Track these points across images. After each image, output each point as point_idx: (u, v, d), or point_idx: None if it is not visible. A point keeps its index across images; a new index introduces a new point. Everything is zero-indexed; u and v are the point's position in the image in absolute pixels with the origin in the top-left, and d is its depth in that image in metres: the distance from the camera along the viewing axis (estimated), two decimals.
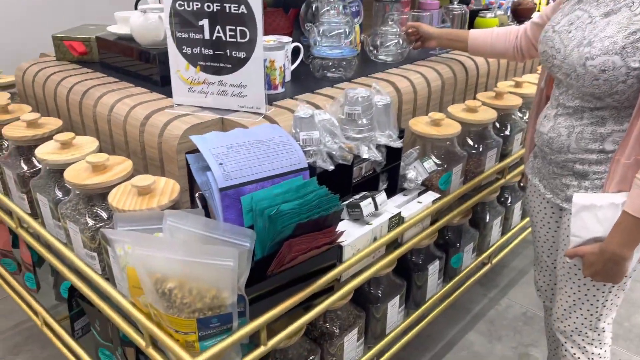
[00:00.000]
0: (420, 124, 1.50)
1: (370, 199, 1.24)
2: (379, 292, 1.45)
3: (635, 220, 1.06)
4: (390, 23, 1.79)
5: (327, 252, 1.08)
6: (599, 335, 1.31)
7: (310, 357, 1.27)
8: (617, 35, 1.05)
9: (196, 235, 0.94)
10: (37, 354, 1.93)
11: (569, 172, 1.23)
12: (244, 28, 1.22)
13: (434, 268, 1.61)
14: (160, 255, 0.87)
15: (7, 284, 1.70)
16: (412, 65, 1.74)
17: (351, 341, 1.36)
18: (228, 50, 1.25)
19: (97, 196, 1.15)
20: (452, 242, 1.74)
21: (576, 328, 1.32)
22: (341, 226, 1.17)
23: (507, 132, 1.76)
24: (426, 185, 1.46)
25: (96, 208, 1.14)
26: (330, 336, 1.31)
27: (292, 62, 1.59)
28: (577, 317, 1.30)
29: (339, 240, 1.10)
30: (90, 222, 1.13)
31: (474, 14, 2.19)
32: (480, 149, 1.60)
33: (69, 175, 1.14)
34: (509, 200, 2.02)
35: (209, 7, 1.22)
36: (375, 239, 1.25)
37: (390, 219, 1.28)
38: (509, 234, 2.02)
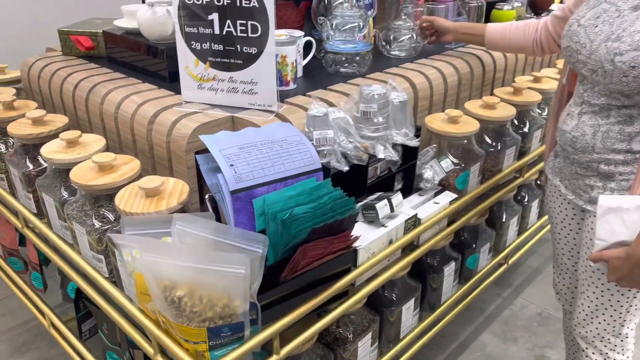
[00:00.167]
0: (436, 121, 1.45)
1: (385, 201, 1.19)
2: (394, 295, 1.41)
3: None
4: (403, 17, 1.74)
5: (342, 255, 1.04)
6: (621, 341, 1.27)
7: None
8: None
9: (206, 241, 0.90)
10: (44, 352, 1.92)
11: (594, 173, 1.18)
12: (255, 22, 1.17)
13: (449, 270, 1.57)
14: (169, 261, 0.84)
15: (13, 283, 1.67)
16: (427, 59, 1.69)
17: (365, 346, 1.32)
18: (239, 46, 1.21)
19: (104, 197, 1.11)
20: (468, 242, 1.70)
21: (598, 334, 1.27)
22: (356, 228, 1.13)
23: (526, 129, 1.71)
24: (443, 185, 1.42)
25: (103, 209, 1.11)
26: (343, 341, 1.28)
27: (304, 57, 1.55)
28: (599, 323, 1.26)
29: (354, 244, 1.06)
30: (97, 224, 1.09)
31: (491, 6, 2.13)
32: (499, 147, 1.55)
33: (75, 175, 1.11)
34: (526, 199, 1.96)
35: (218, 0, 1.18)
36: (390, 242, 1.21)
37: (406, 221, 1.23)
38: (526, 233, 1.97)
